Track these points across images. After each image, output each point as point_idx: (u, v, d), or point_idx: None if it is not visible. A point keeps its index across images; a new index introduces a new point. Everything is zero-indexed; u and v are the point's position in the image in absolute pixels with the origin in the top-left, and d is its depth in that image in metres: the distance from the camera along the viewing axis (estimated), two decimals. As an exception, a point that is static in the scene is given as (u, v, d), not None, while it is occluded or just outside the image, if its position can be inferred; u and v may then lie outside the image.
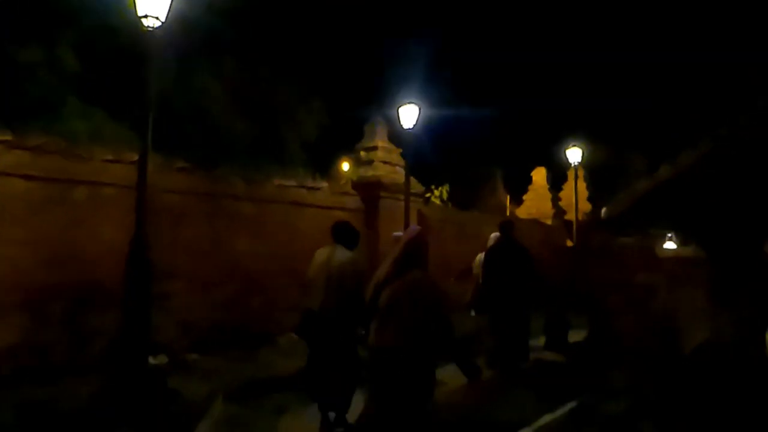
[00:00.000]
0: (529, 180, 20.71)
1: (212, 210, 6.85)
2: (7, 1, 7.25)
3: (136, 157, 6.15)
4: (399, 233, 4.69)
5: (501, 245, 6.52)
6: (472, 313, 6.96)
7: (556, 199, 19.21)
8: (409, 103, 8.71)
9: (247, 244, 7.17)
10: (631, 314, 4.73)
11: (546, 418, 4.52)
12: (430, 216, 10.72)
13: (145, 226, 4.65)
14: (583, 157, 12.45)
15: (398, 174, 9.66)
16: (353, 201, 9.07)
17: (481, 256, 7.05)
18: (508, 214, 19.17)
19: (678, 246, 17.76)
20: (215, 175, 6.97)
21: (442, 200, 17.42)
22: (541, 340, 7.54)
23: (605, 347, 5.42)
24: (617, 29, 41.43)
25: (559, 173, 21.27)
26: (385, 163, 9.63)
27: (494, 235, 6.94)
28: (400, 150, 9.98)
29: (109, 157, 6.06)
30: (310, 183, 8.44)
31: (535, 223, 15.94)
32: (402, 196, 9.15)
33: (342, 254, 4.30)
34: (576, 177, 12.78)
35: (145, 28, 4.69)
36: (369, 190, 9.16)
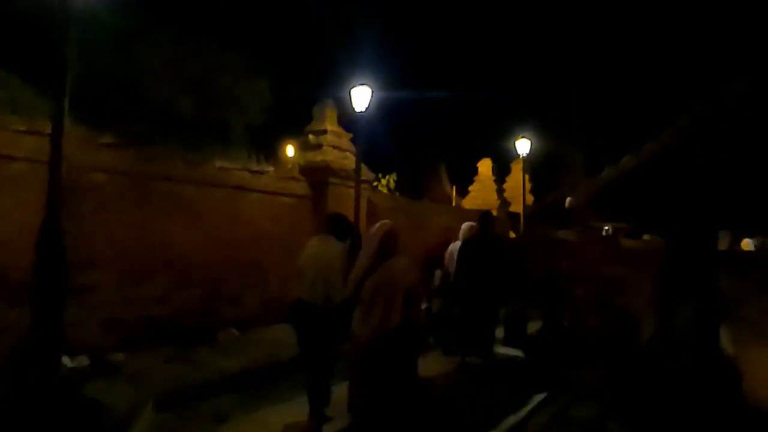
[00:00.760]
0: (474, 171, 20.79)
1: (144, 192, 6.13)
2: None
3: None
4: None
5: (479, 237, 6.44)
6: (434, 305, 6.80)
7: (500, 191, 19.36)
8: (361, 84, 8.26)
9: (183, 231, 6.50)
10: (595, 308, 4.56)
11: (510, 420, 4.28)
12: (379, 204, 10.34)
13: (58, 208, 3.97)
14: (534, 147, 12.46)
15: (348, 160, 9.19)
16: (300, 186, 8.53)
17: (452, 246, 7.03)
18: (453, 204, 19.13)
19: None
20: (148, 154, 6.24)
21: (389, 189, 17.10)
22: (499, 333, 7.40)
23: (566, 342, 5.28)
24: (565, 19, 42.48)
25: (502, 166, 21.51)
26: (334, 147, 9.13)
27: (467, 225, 6.90)
28: (351, 135, 9.52)
29: (22, 128, 5.23)
30: (254, 166, 7.82)
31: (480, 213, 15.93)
32: (352, 183, 8.72)
33: (333, 245, 4.32)
34: (524, 168, 12.75)
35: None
36: (317, 175, 8.64)
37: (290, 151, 13.05)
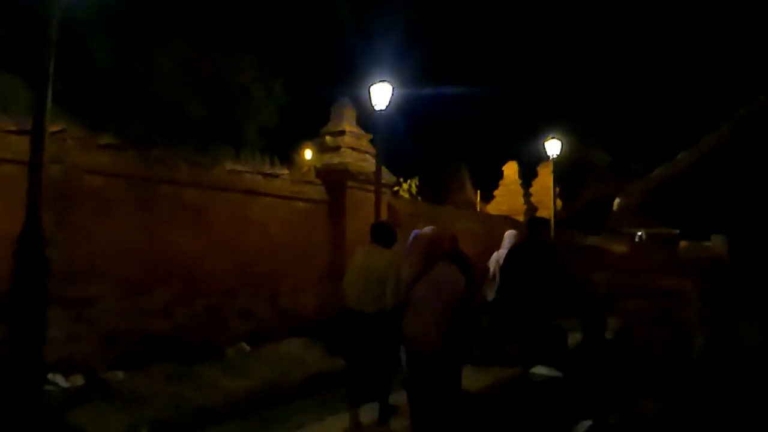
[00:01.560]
0: (498, 175, 20.10)
1: (146, 197, 5.69)
2: None
3: (48, 129, 4.97)
4: (417, 231, 4.59)
5: (529, 244, 5.91)
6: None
7: (527, 195, 18.62)
8: (381, 81, 7.74)
9: (189, 239, 6.03)
10: (654, 324, 3.94)
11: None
12: (401, 210, 9.79)
13: (38, 213, 3.53)
14: (567, 147, 11.78)
15: (368, 162, 8.67)
16: (317, 191, 8.03)
17: (497, 254, 6.68)
18: (478, 210, 18.47)
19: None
20: (151, 155, 5.81)
21: (410, 194, 16.52)
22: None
23: (611, 359, 4.67)
24: (596, 22, 41.47)
25: (527, 169, 20.74)
26: (353, 149, 8.61)
27: (511, 232, 6.68)
28: (370, 136, 8.99)
29: (11, 128, 4.84)
30: (267, 169, 7.34)
31: (507, 219, 15.23)
32: (371, 187, 8.18)
33: (381, 254, 4.33)
34: (554, 171, 12.05)
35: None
36: (335, 178, 8.13)
37: (308, 155, 12.60)
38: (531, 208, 18.08)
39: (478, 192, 19.64)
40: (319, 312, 7.68)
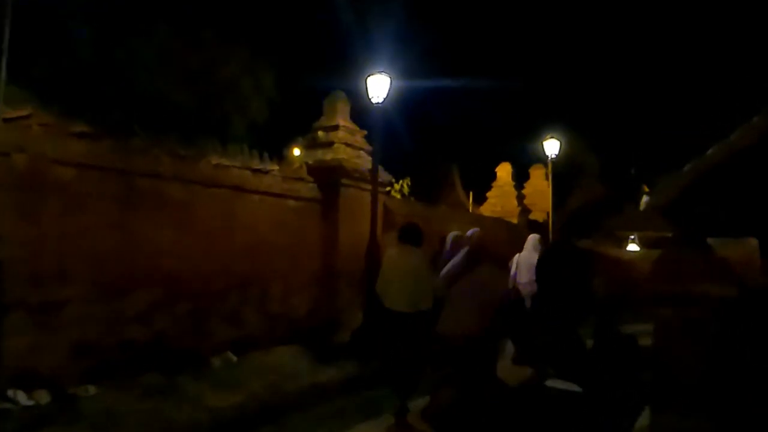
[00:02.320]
0: (490, 177, 19.78)
1: (124, 191, 5.16)
2: None
3: (11, 114, 4.46)
4: (456, 233, 4.94)
5: (560, 248, 5.96)
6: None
7: (520, 197, 18.29)
8: (379, 72, 7.30)
9: (171, 238, 5.52)
10: (689, 338, 3.53)
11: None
12: (395, 210, 9.34)
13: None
14: (560, 149, 11.43)
15: (362, 159, 8.21)
16: (309, 189, 7.55)
17: (518, 257, 6.89)
18: (470, 211, 18.08)
19: (641, 248, 17.02)
20: (130, 146, 5.28)
21: (402, 194, 16.08)
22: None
23: (636, 372, 4.29)
24: (594, 23, 41.32)
25: (519, 170, 20.43)
26: (347, 145, 8.14)
27: (533, 236, 6.86)
28: (365, 132, 8.54)
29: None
30: (256, 164, 6.85)
31: (500, 221, 14.86)
32: (366, 185, 7.74)
33: (414, 254, 4.47)
34: (552, 171, 11.72)
35: None
36: (328, 176, 7.65)
37: (297, 153, 12.10)
38: (525, 211, 17.76)
39: (471, 193, 19.28)
40: (312, 317, 7.21)
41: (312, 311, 7.21)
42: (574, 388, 4.88)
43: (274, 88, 9.92)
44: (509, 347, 6.29)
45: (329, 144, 8.11)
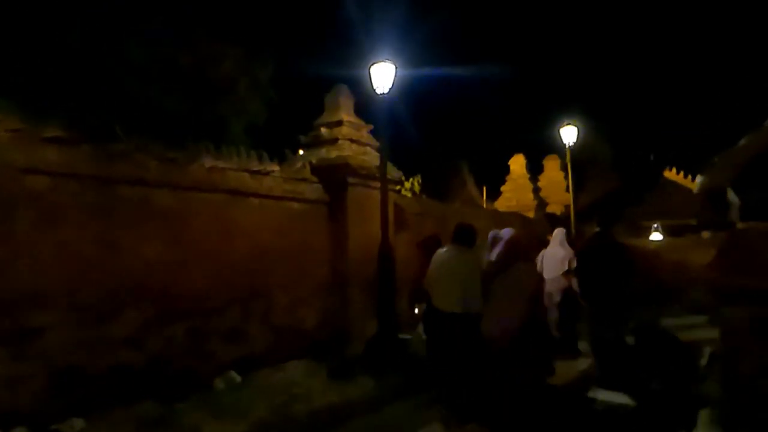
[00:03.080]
0: (503, 170, 19.10)
1: (106, 201, 4.67)
2: None
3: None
4: (496, 231, 4.85)
5: (599, 243, 5.46)
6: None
7: (536, 190, 17.61)
8: (384, 60, 6.75)
9: (161, 251, 5.01)
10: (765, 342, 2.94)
11: None
12: (407, 209, 8.80)
13: None
14: (577, 137, 10.78)
15: (369, 155, 7.66)
16: (313, 189, 7.01)
17: (545, 252, 7.00)
18: (484, 207, 17.46)
19: (664, 238, 16.28)
20: (112, 151, 4.77)
21: (413, 193, 15.48)
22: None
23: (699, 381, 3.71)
24: (609, 10, 40.39)
25: (532, 162, 19.73)
26: (352, 141, 7.59)
27: (560, 230, 7.06)
28: (371, 126, 8.00)
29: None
30: (255, 166, 6.32)
31: (516, 215, 14.22)
32: (374, 183, 7.18)
33: (465, 255, 4.52)
34: (569, 161, 11.08)
35: None
36: (334, 175, 7.11)
37: (300, 153, 11.54)
38: (541, 204, 17.08)
39: (484, 188, 18.61)
40: (321, 329, 6.67)
41: (322, 322, 6.67)
42: (621, 399, 4.31)
43: (272, 87, 9.45)
44: None
45: (333, 141, 7.57)
